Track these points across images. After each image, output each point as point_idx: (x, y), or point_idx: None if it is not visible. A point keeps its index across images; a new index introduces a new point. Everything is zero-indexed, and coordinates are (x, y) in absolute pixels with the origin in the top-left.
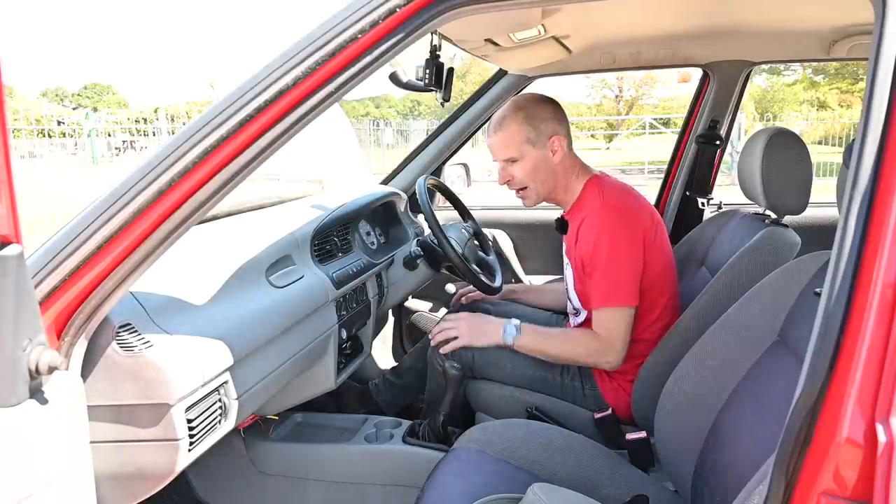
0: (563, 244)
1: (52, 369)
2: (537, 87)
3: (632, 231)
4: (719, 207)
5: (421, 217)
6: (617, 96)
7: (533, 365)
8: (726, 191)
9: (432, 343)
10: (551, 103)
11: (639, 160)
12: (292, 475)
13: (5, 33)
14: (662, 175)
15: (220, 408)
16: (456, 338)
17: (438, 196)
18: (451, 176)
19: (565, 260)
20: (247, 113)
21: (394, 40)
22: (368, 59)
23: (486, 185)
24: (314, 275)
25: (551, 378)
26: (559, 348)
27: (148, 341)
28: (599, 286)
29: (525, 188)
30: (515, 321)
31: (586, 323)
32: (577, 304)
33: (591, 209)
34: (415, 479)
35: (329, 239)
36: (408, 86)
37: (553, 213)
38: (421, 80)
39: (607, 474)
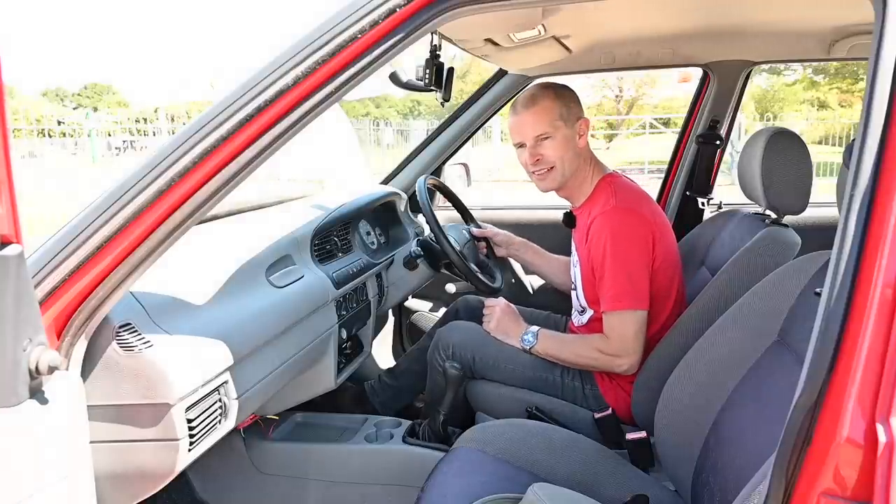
0: (573, 240)
1: (52, 369)
2: None
3: (644, 235)
4: (719, 207)
5: (421, 217)
6: (617, 96)
7: (533, 365)
8: (726, 191)
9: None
10: (573, 90)
11: (639, 160)
12: (292, 475)
13: (5, 33)
14: (662, 175)
15: (220, 408)
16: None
17: (438, 196)
18: (451, 176)
19: (573, 256)
20: (247, 113)
21: (394, 40)
22: (368, 59)
23: (486, 185)
24: (314, 275)
25: (551, 378)
26: (573, 353)
27: (148, 341)
28: (610, 289)
29: (552, 168)
30: (534, 329)
31: (592, 322)
32: (584, 302)
33: (605, 209)
34: (415, 479)
35: (329, 239)
36: (408, 86)
37: (553, 213)
38: (421, 80)
39: (607, 474)
